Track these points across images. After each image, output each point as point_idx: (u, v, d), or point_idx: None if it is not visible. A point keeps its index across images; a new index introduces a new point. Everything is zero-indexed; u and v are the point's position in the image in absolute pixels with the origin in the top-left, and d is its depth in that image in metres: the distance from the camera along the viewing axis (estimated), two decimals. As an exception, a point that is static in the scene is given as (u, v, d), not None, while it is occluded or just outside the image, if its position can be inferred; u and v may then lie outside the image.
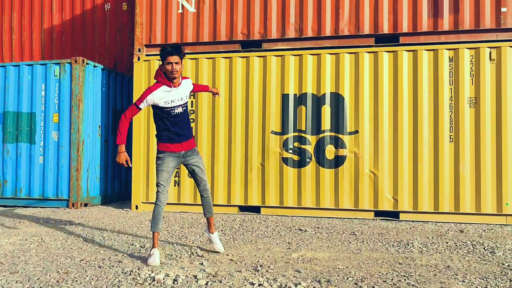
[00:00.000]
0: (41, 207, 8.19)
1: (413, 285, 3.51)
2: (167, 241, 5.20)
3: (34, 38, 11.11)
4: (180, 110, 4.26)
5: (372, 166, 7.10)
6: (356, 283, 3.57)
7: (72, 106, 8.19)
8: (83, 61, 8.26)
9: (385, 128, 7.09)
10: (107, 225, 6.35)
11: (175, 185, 7.71)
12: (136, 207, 7.87)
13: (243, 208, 7.59)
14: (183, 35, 7.96)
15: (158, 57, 7.92)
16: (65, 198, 8.21)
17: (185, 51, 7.93)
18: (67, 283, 3.54)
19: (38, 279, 3.66)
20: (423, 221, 6.78)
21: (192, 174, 4.50)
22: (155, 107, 4.25)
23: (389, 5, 7.26)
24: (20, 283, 3.55)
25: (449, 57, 6.98)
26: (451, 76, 6.97)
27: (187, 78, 4.46)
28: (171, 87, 4.18)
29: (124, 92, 9.59)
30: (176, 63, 4.07)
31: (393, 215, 7.04)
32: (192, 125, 7.66)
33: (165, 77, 4.17)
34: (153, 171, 7.81)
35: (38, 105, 8.42)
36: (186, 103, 4.36)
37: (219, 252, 4.61)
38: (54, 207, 8.19)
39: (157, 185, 4.24)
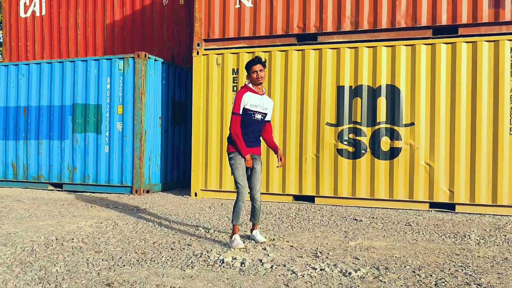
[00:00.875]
0: (107, 193, 8.77)
1: (470, 275, 3.62)
2: (230, 227, 5.52)
3: (97, 33, 11.73)
4: (259, 117, 4.61)
5: (428, 158, 7.13)
6: (413, 271, 3.73)
7: (135, 99, 8.68)
8: (145, 55, 8.70)
9: (442, 120, 7.08)
10: (170, 210, 6.76)
11: (231, 174, 8.03)
12: (196, 194, 8.29)
13: (297, 197, 7.82)
14: (240, 29, 8.23)
15: (216, 51, 8.26)
16: (129, 185, 8.74)
17: (244, 45, 8.23)
18: (146, 263, 3.92)
19: (120, 258, 4.06)
20: (480, 214, 6.76)
21: (249, 177, 4.69)
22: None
23: (448, -4, 7.19)
24: (106, 261, 3.96)
25: (511, 48, 6.85)
26: (512, 68, 6.85)
27: (270, 99, 4.82)
28: (257, 93, 4.59)
29: (182, 84, 10.01)
30: (260, 70, 4.52)
31: (449, 207, 7.05)
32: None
33: (250, 87, 4.60)
34: (211, 160, 8.19)
35: (104, 97, 8.97)
36: (265, 115, 4.67)
37: (279, 240, 4.87)
38: (119, 193, 8.75)
39: (237, 183, 4.57)
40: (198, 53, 8.41)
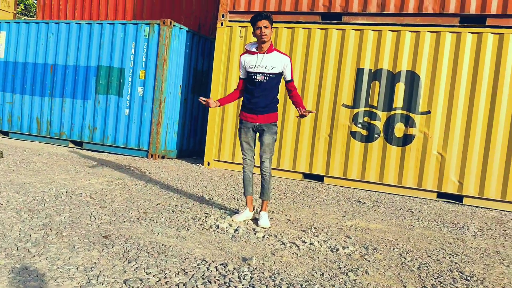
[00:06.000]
0: (124, 155, 9.03)
1: (456, 263, 3.68)
2: (233, 197, 5.68)
3: (128, -3, 11.85)
4: (261, 78, 4.22)
5: (441, 148, 7.08)
6: (400, 254, 3.80)
7: (158, 65, 8.82)
8: (170, 23, 8.80)
9: (459, 111, 6.99)
10: (181, 177, 6.96)
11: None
12: (208, 164, 8.46)
13: (307, 176, 7.91)
14: (266, 3, 8.21)
15: (240, 24, 8.29)
16: (145, 149, 8.98)
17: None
18: (145, 221, 4.11)
19: (122, 215, 4.26)
20: (487, 208, 6.72)
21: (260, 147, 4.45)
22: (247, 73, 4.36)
23: (479, -16, 7.00)
24: (108, 216, 4.17)
25: (538, 42, 6.66)
26: (537, 63, 6.67)
27: (286, 55, 4.36)
28: (256, 53, 4.26)
29: (206, 54, 10.09)
30: (265, 27, 4.13)
31: (457, 198, 7.02)
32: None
33: (249, 48, 4.33)
34: (226, 131, 8.33)
35: (127, 61, 9.15)
36: (274, 75, 4.25)
37: (278, 213, 4.99)
38: (135, 156, 9.00)
39: (242, 154, 4.50)
40: (222, 24, 8.45)
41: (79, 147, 9.58)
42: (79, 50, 9.60)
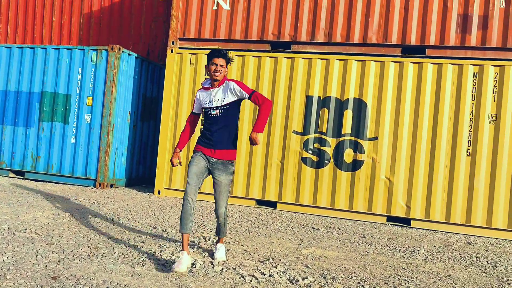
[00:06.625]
0: (70, 184, 8.66)
1: (412, 289, 3.78)
2: (187, 228, 5.56)
3: (73, 22, 11.58)
4: (216, 112, 4.13)
5: (388, 173, 7.32)
6: (359, 282, 3.85)
7: (106, 91, 8.61)
8: (119, 49, 8.65)
9: (404, 137, 7.29)
10: (131, 207, 6.75)
11: (197, 175, 8.06)
12: (159, 192, 8.27)
13: (260, 202, 7.91)
14: (216, 31, 8.28)
15: (190, 51, 8.29)
16: (92, 178, 8.66)
17: (218, 47, 8.27)
18: (97, 258, 3.92)
19: (72, 251, 4.05)
20: (433, 230, 6.98)
21: (214, 189, 4.28)
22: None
23: (418, 17, 7.42)
24: (56, 253, 3.95)
25: (474, 72, 7.11)
26: (474, 92, 7.11)
27: (231, 80, 4.21)
28: (209, 89, 4.19)
29: (155, 80, 9.98)
30: (221, 65, 4.07)
31: (405, 221, 7.25)
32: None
33: (204, 84, 4.26)
34: (178, 159, 8.19)
35: (74, 87, 8.87)
36: (228, 105, 4.14)
37: (234, 243, 4.93)
38: (82, 185, 8.65)
39: (187, 179, 4.12)
40: (172, 51, 8.41)
41: (20, 177, 9.09)
42: (21, 75, 9.21)
